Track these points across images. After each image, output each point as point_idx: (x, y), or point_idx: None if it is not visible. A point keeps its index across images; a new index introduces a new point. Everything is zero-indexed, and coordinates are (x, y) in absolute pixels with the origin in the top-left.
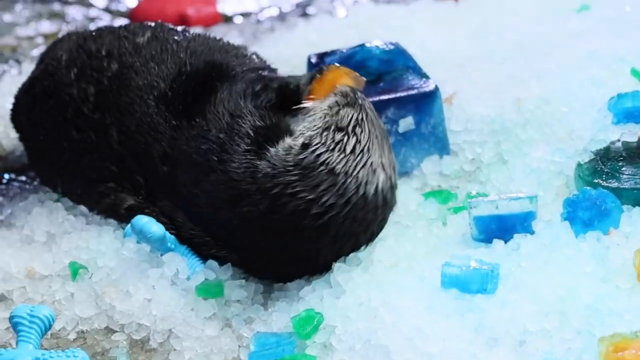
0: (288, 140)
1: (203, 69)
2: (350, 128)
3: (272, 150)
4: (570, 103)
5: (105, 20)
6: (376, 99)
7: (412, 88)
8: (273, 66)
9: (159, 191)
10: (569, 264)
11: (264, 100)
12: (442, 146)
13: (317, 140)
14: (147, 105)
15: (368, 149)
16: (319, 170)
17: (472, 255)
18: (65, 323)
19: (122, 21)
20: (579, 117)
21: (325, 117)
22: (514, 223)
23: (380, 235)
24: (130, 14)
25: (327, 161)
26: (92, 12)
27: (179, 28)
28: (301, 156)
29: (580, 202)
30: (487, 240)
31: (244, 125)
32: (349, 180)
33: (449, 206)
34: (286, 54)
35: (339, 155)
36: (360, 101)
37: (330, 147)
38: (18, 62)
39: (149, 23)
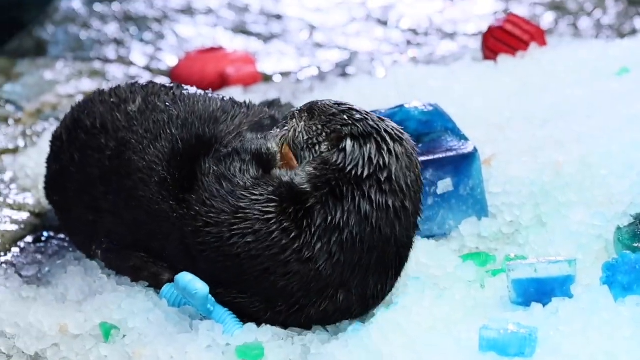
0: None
1: (195, 145)
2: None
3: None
4: (610, 166)
5: (145, 79)
6: None
7: (451, 149)
8: None
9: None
10: (607, 329)
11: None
12: (480, 208)
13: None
14: (151, 191)
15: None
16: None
17: (510, 318)
18: None
19: (162, 80)
20: (618, 181)
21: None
22: (552, 287)
23: (417, 297)
24: (170, 73)
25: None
26: (133, 71)
27: (170, 86)
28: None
29: (619, 266)
30: (526, 303)
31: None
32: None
33: (487, 269)
34: None
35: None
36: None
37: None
38: (58, 120)
39: (139, 85)
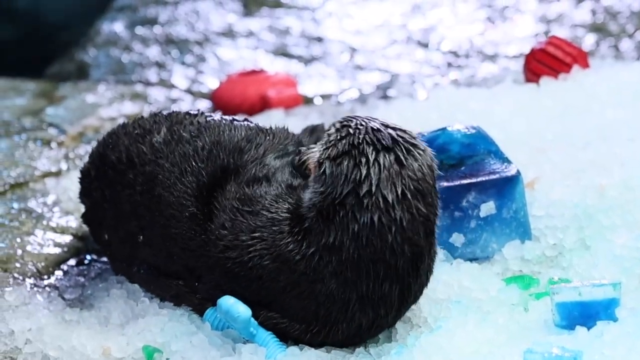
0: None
1: (220, 178)
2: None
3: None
4: None
5: (186, 101)
6: (457, 183)
7: (494, 172)
8: None
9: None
10: None
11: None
12: (523, 231)
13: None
14: (183, 227)
15: None
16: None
17: (554, 342)
18: None
19: (203, 103)
20: None
21: None
22: (597, 310)
23: (460, 320)
24: (212, 96)
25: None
26: (174, 94)
27: (194, 114)
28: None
29: None
30: (570, 327)
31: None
32: None
33: (531, 292)
34: None
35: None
36: None
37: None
38: None
39: (162, 114)
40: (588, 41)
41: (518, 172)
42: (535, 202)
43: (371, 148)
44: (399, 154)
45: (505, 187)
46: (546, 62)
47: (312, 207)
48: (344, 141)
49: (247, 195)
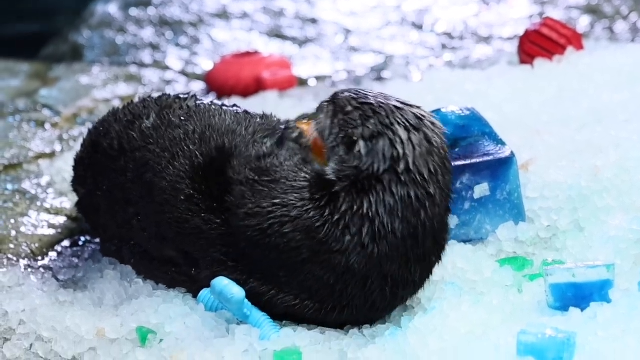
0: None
1: (216, 157)
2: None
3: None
4: None
5: (181, 83)
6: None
7: (488, 154)
8: None
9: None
10: None
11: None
12: (517, 213)
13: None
14: (179, 210)
15: None
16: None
17: (548, 323)
18: None
19: (197, 85)
20: None
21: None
22: (591, 291)
23: (454, 302)
24: (206, 77)
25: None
26: (168, 75)
27: (184, 97)
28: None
29: None
30: (564, 308)
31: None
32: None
33: (525, 273)
34: None
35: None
36: None
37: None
38: None
39: (152, 99)
40: (582, 23)
41: (512, 153)
42: (530, 184)
43: (402, 128)
44: (427, 132)
45: (500, 169)
46: (540, 43)
47: (344, 178)
48: (372, 121)
49: (262, 167)
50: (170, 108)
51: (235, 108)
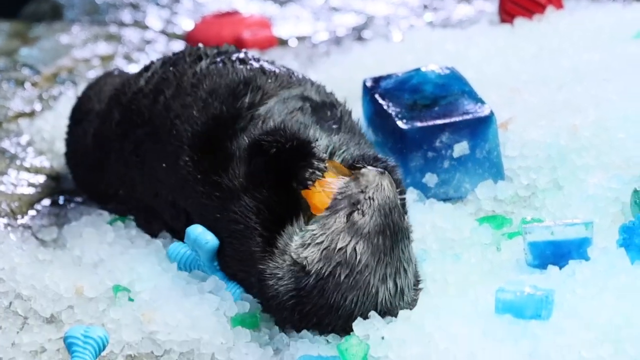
0: (292, 247)
1: (214, 127)
2: (350, 248)
3: (276, 252)
4: (627, 130)
5: (161, 43)
6: (431, 123)
7: (467, 113)
8: (328, 89)
9: None
10: (624, 291)
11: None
12: (496, 171)
13: (316, 267)
14: (179, 177)
15: (367, 268)
16: (315, 295)
17: (526, 281)
18: (112, 346)
19: (177, 44)
20: (635, 144)
21: (328, 233)
22: (569, 249)
23: (434, 259)
24: (186, 37)
25: (323, 288)
26: (148, 35)
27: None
28: (301, 281)
29: (636, 229)
30: (542, 266)
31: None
32: (343, 303)
33: (504, 231)
34: (341, 78)
35: (334, 283)
36: (367, 208)
37: (326, 274)
38: (74, 83)
39: (163, 59)
40: None
41: (491, 112)
42: (509, 143)
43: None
44: None
45: (479, 128)
46: (521, 3)
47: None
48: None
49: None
50: (176, 63)
51: (248, 65)
